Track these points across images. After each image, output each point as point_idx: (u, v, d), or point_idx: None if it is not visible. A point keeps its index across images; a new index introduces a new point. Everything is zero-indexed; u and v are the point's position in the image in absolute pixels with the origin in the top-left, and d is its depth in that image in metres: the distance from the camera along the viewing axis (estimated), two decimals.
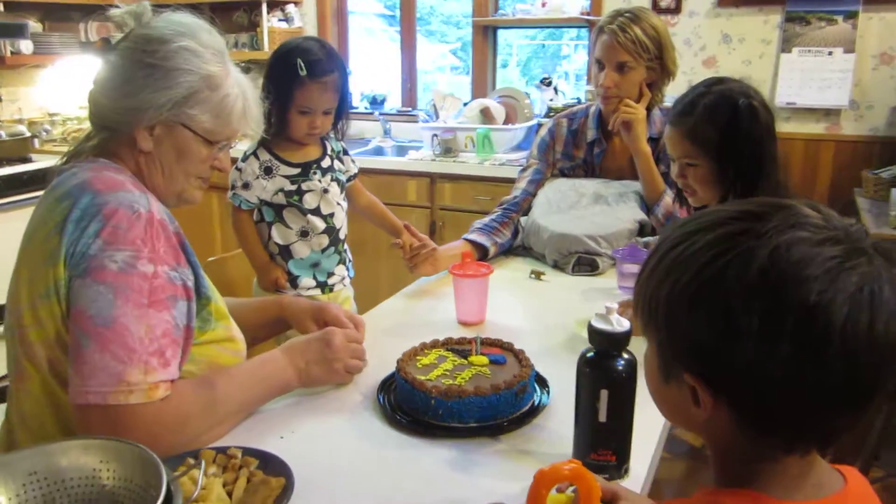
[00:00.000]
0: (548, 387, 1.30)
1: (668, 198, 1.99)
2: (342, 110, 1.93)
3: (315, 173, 1.94)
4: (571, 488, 0.93)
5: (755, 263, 0.63)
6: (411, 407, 1.23)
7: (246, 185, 1.91)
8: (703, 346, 0.66)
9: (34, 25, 3.99)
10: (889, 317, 0.63)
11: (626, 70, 2.01)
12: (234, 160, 1.93)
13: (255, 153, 1.92)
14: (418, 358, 1.33)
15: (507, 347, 1.37)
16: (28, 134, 3.63)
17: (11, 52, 3.78)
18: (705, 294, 0.66)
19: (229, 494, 0.99)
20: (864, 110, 3.30)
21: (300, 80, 1.80)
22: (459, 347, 1.37)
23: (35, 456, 0.86)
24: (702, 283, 0.66)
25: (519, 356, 1.33)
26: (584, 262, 1.97)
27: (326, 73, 1.82)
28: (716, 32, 3.48)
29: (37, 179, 3.37)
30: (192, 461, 1.00)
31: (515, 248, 2.16)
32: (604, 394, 1.01)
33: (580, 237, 1.97)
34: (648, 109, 2.06)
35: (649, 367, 0.76)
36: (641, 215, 2.03)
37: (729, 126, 1.47)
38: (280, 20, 4.23)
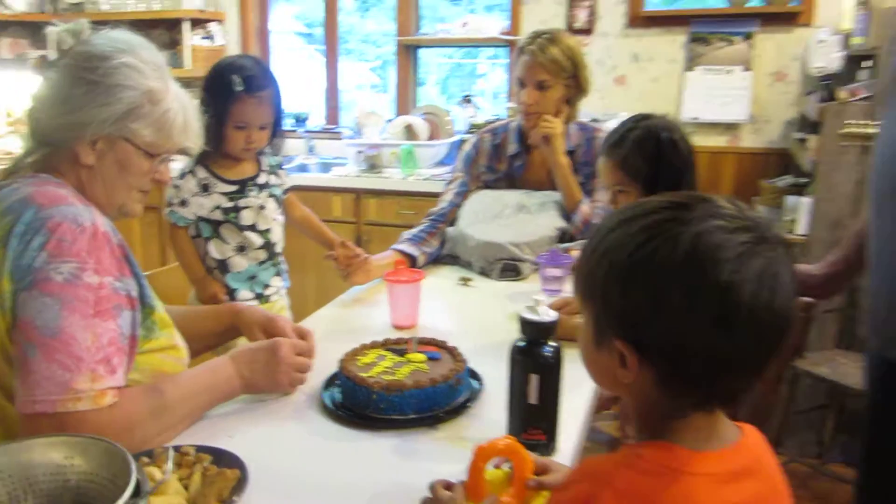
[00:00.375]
0: (480, 379, 1.40)
1: (586, 206, 2.13)
2: (277, 126, 1.99)
3: (251, 190, 1.99)
4: (507, 465, 1.02)
5: (680, 247, 0.74)
6: (354, 403, 1.29)
7: (183, 203, 1.94)
8: (634, 316, 0.77)
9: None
10: (785, 294, 0.75)
11: (545, 88, 2.15)
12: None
13: (192, 171, 1.96)
14: (358, 357, 1.41)
15: (441, 345, 1.45)
16: None
17: None
18: (637, 272, 0.76)
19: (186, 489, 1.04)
20: (761, 124, 3.54)
21: (236, 95, 1.85)
22: (397, 347, 1.45)
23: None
24: (635, 262, 0.76)
25: (453, 352, 1.42)
26: (509, 268, 2.08)
27: (262, 88, 1.88)
28: (626, 52, 3.69)
29: None
30: (146, 459, 1.05)
31: (443, 258, 2.26)
32: (534, 378, 1.11)
33: (504, 244, 2.08)
34: (565, 124, 2.21)
35: (583, 336, 0.86)
36: (561, 223, 2.16)
37: (654, 157, 1.61)
38: (203, 38, 4.24)
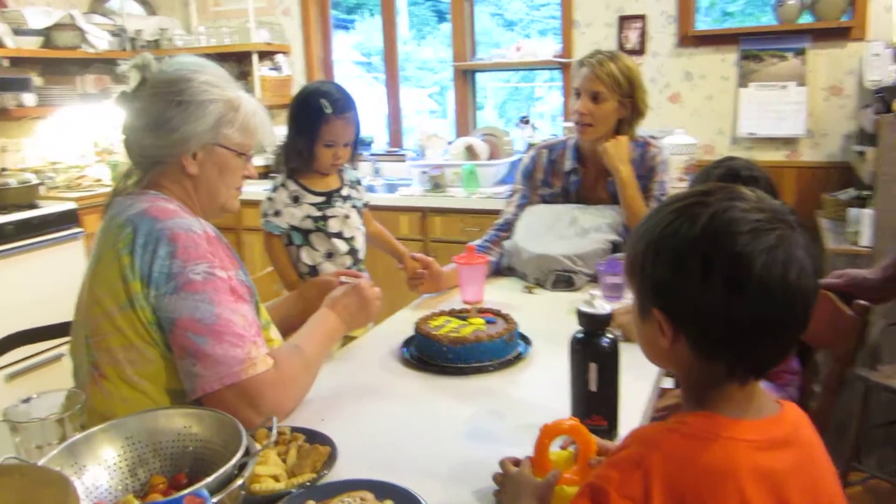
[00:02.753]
0: (529, 342, 1.69)
1: None
2: (356, 144, 2.17)
3: (337, 201, 2.17)
4: (572, 446, 1.12)
5: (700, 221, 0.85)
6: (428, 355, 1.63)
7: (277, 213, 2.13)
8: (663, 284, 0.88)
9: (36, 79, 4.19)
10: (800, 270, 0.84)
11: (600, 100, 2.19)
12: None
13: (283, 184, 2.15)
14: (430, 321, 1.74)
15: (496, 313, 1.77)
16: (36, 181, 3.79)
17: (16, 105, 3.98)
18: (664, 245, 0.88)
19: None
20: (819, 138, 3.56)
21: (325, 116, 2.04)
22: (461, 314, 1.79)
23: (132, 421, 1.05)
24: (662, 237, 0.88)
25: (506, 318, 1.72)
26: (562, 280, 2.15)
27: (347, 110, 2.07)
28: (678, 71, 3.76)
29: (45, 224, 3.53)
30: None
31: (502, 269, 2.35)
32: (593, 367, 1.21)
33: (557, 256, 2.16)
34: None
35: (634, 312, 0.97)
36: (614, 236, 2.19)
37: None
38: (270, 69, 4.47)
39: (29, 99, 3.99)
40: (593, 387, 1.21)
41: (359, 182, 2.29)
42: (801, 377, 1.90)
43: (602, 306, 1.22)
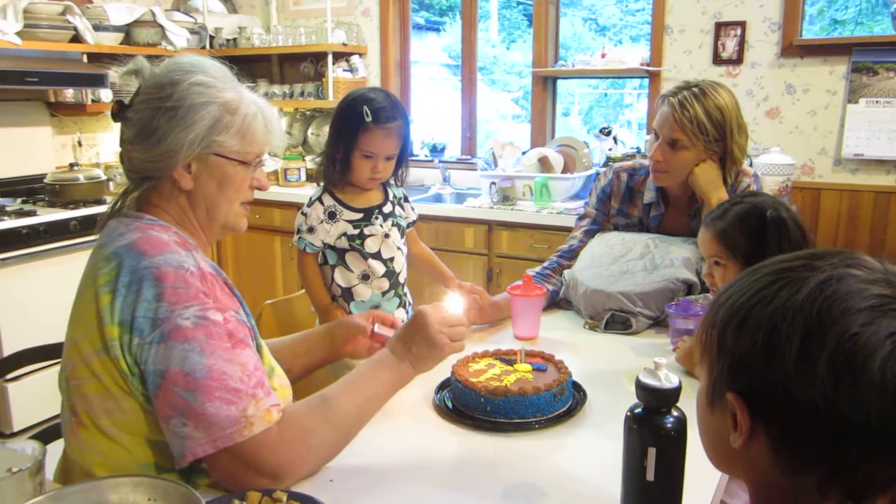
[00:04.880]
0: (584, 393, 1.48)
1: None
2: (403, 158, 1.99)
3: (377, 218, 1.99)
4: None
5: (805, 289, 0.66)
6: (464, 405, 1.42)
7: (311, 230, 1.97)
8: (746, 361, 0.69)
9: (114, 75, 4.20)
10: None
11: (678, 147, 1.90)
12: (299, 205, 2.01)
13: (319, 198, 1.99)
14: (470, 364, 1.53)
15: (548, 358, 1.55)
16: (104, 177, 3.79)
17: (92, 100, 3.99)
18: (754, 314, 0.69)
19: None
20: None
21: (365, 125, 1.87)
22: (507, 357, 1.57)
23: (88, 491, 0.90)
24: (753, 304, 0.69)
25: (558, 365, 1.51)
26: (618, 321, 1.90)
27: (390, 120, 1.89)
28: (779, 83, 3.44)
29: None
30: (237, 502, 1.03)
31: (559, 301, 2.11)
32: (651, 452, 0.99)
33: (614, 294, 1.90)
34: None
35: (700, 396, 0.78)
36: (688, 275, 1.90)
37: (756, 234, 1.52)
38: (345, 70, 4.37)
39: (105, 94, 4.00)
40: (651, 476, 0.99)
41: (406, 199, 2.11)
42: None
43: (668, 378, 1.00)
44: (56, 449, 1.28)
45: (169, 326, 1.09)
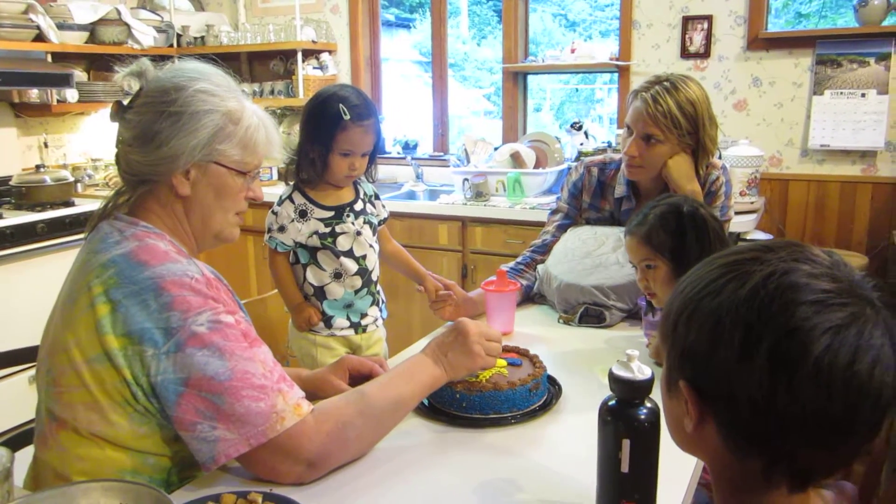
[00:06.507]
0: (559, 387, 1.50)
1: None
2: (374, 154, 1.99)
3: (348, 216, 1.98)
4: None
5: (750, 283, 0.68)
6: (439, 401, 1.41)
7: (282, 229, 1.96)
8: (693, 352, 0.71)
9: (79, 75, 4.14)
10: (874, 360, 0.64)
11: (652, 142, 1.90)
12: (269, 204, 1.99)
13: (290, 197, 1.97)
14: None
15: (522, 353, 1.55)
16: (71, 179, 3.73)
17: (58, 101, 3.92)
18: (702, 306, 0.71)
19: None
20: None
21: (343, 123, 1.86)
22: None
23: (57, 496, 0.89)
24: (703, 296, 0.71)
25: (533, 360, 1.51)
26: (592, 314, 1.91)
27: (367, 117, 1.89)
28: (746, 76, 3.48)
29: (79, 223, 3.46)
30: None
31: (534, 296, 2.12)
32: (626, 443, 0.99)
33: (588, 288, 1.91)
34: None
35: (661, 381, 0.80)
36: None
37: (677, 230, 1.59)
38: (315, 68, 4.34)
39: (71, 94, 3.94)
40: (625, 468, 1.00)
41: (377, 196, 2.11)
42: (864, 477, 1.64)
43: (641, 370, 1.00)
44: (25, 455, 1.25)
45: (185, 335, 1.09)
